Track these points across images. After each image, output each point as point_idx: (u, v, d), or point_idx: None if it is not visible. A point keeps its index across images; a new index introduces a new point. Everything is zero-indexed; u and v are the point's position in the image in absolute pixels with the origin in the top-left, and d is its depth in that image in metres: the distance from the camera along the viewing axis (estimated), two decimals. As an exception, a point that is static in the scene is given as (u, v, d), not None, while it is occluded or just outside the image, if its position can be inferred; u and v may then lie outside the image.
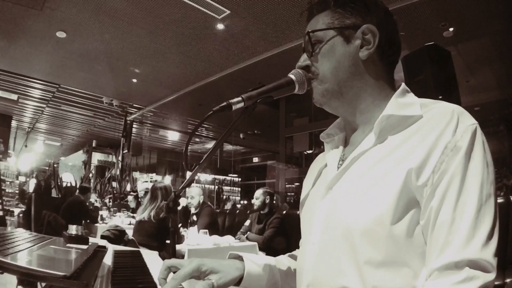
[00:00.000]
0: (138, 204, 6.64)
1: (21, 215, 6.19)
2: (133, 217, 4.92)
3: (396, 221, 0.56)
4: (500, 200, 1.94)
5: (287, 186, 7.66)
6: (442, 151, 0.55)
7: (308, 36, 0.70)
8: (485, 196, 0.54)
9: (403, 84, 0.69)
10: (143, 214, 3.07)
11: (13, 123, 9.83)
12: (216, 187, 12.95)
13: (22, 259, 0.61)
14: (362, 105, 0.70)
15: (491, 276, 0.50)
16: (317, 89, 0.71)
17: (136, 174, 11.92)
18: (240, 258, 0.76)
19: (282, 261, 0.82)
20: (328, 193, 0.68)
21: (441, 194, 0.54)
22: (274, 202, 3.96)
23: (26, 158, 11.97)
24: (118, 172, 8.87)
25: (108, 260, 0.97)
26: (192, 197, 3.87)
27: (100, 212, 5.47)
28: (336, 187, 0.67)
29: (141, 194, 6.80)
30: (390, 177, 0.58)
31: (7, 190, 9.50)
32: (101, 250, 1.02)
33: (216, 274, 0.68)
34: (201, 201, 3.94)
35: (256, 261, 0.75)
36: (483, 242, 0.51)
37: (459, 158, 0.55)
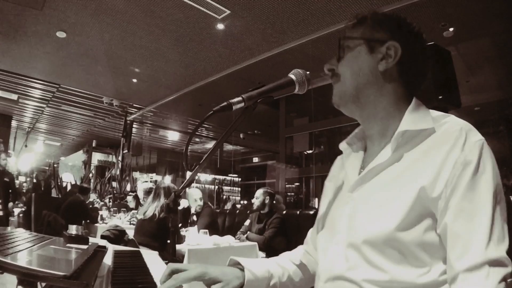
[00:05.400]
0: (138, 204, 6.64)
1: (21, 215, 6.19)
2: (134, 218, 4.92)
3: (408, 229, 0.62)
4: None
5: (287, 186, 7.65)
6: (453, 166, 0.61)
7: (338, 43, 0.77)
8: (496, 203, 0.60)
9: (414, 99, 0.75)
10: (147, 211, 3.09)
11: (13, 123, 9.83)
12: (216, 187, 12.95)
13: (22, 259, 0.61)
14: (379, 114, 0.75)
15: (509, 269, 0.58)
16: (336, 91, 0.77)
17: (136, 174, 11.91)
18: (240, 265, 0.77)
19: (283, 265, 0.84)
20: (350, 198, 0.74)
21: (456, 206, 0.60)
22: (274, 202, 3.96)
23: (26, 158, 11.97)
24: (118, 172, 8.86)
25: (108, 260, 0.97)
26: (195, 200, 3.88)
27: (100, 212, 5.46)
28: (356, 195, 0.73)
29: (142, 193, 6.80)
30: (404, 194, 0.64)
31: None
32: (101, 250, 1.01)
33: (218, 284, 0.70)
34: (202, 202, 3.95)
35: (256, 270, 0.76)
36: (498, 243, 0.58)
37: (470, 172, 0.61)
